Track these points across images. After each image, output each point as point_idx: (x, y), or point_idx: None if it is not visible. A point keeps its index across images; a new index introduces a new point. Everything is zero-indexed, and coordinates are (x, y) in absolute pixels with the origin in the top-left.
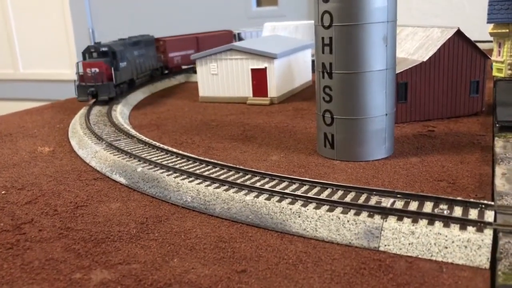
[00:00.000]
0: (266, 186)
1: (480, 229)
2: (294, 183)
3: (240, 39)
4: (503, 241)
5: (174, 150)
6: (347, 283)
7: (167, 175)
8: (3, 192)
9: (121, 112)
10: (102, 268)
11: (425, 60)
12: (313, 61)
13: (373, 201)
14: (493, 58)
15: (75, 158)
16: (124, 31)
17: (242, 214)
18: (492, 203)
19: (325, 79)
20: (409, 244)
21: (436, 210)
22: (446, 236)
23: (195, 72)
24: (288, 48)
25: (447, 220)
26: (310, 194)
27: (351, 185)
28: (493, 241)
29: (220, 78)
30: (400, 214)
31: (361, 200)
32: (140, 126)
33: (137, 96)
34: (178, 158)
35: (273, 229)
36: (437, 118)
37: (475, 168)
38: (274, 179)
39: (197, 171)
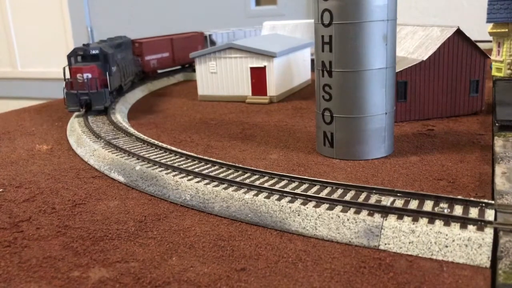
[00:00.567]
0: (266, 185)
1: (480, 228)
2: (294, 181)
3: (211, 40)
4: (503, 240)
5: (173, 148)
6: (347, 282)
7: (165, 173)
8: (0, 190)
9: (119, 111)
10: (100, 266)
11: (424, 59)
12: (312, 60)
13: (373, 199)
14: (492, 57)
15: (74, 156)
16: (123, 29)
17: (241, 212)
18: (493, 202)
19: (325, 78)
20: (410, 242)
21: (436, 209)
22: (447, 235)
23: (194, 70)
24: (288, 47)
25: (448, 219)
26: (309, 193)
27: (351, 184)
28: (493, 240)
29: (219, 77)
30: (400, 213)
31: (361, 199)
32: (139, 125)
33: (136, 94)
34: (177, 157)
35: (272, 228)
36: (437, 117)
37: (475, 167)
38: (274, 178)
39: (196, 170)
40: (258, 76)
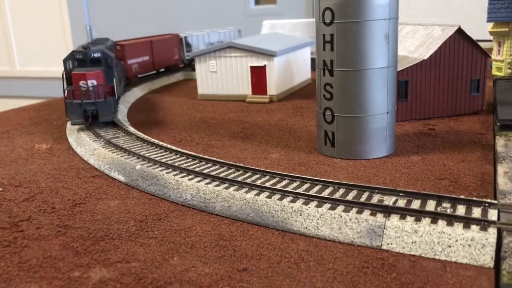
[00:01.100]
0: (267, 184)
1: (484, 228)
2: (295, 181)
3: (186, 43)
4: (507, 240)
5: (173, 147)
6: (350, 282)
7: (166, 172)
8: (0, 189)
9: (119, 110)
10: (101, 266)
11: (426, 58)
12: (312, 59)
13: (375, 199)
14: (492, 57)
15: (73, 155)
16: (122, 28)
17: (243, 212)
18: (495, 201)
19: (326, 77)
20: (412, 242)
21: (439, 209)
22: (450, 235)
23: (194, 69)
24: (288, 46)
25: (451, 219)
26: (311, 192)
27: (353, 183)
28: (497, 240)
29: (219, 76)
30: (403, 213)
31: (363, 198)
32: (139, 124)
33: (135, 93)
34: (178, 156)
35: (274, 228)
36: (438, 117)
37: (477, 166)
38: (275, 177)
39: (197, 169)
40: (258, 75)
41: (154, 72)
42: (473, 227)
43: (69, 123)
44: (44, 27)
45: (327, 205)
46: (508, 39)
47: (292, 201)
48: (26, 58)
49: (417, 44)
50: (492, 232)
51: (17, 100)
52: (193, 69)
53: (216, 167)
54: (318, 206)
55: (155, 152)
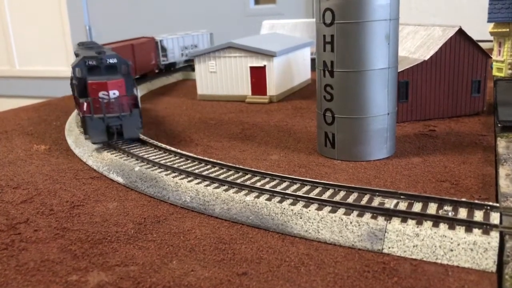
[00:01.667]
0: (267, 186)
1: (486, 232)
2: (295, 183)
3: (162, 47)
4: (510, 244)
5: (172, 149)
6: (350, 287)
7: (165, 174)
8: None
9: None
10: (99, 270)
11: (426, 59)
12: (312, 59)
13: (376, 202)
14: (493, 57)
15: (72, 156)
16: (122, 29)
17: (243, 214)
18: (497, 204)
19: (326, 78)
20: (414, 246)
21: (440, 212)
22: (452, 239)
23: (193, 69)
24: (287, 46)
25: (452, 222)
26: (311, 195)
27: (354, 186)
28: (499, 244)
29: (219, 76)
30: (404, 216)
31: (363, 201)
32: None
33: None
34: (177, 157)
35: (274, 231)
36: (438, 118)
37: (478, 168)
38: (275, 179)
39: (196, 171)
40: (258, 76)
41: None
42: (475, 230)
43: (67, 122)
44: (43, 27)
45: (328, 208)
46: (509, 40)
47: (292, 204)
48: (26, 57)
49: (418, 44)
50: (495, 235)
51: (16, 100)
52: (193, 69)
53: (216, 168)
54: (318, 209)
55: (154, 154)
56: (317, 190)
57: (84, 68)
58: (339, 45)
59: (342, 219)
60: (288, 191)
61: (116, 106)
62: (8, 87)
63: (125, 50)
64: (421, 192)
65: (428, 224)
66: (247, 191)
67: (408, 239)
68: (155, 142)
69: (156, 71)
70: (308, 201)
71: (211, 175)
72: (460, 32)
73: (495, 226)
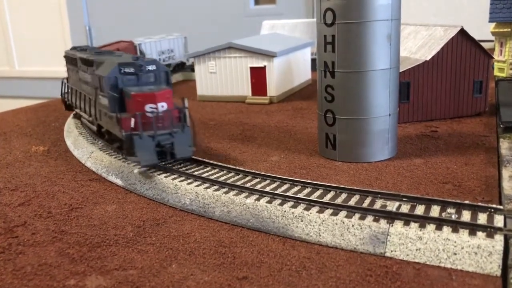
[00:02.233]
0: (267, 189)
1: (490, 235)
2: (296, 185)
3: (140, 51)
4: None
5: None
6: None
7: (164, 176)
8: None
9: None
10: (98, 274)
11: (428, 59)
12: (313, 60)
13: (378, 204)
14: (494, 57)
15: (71, 158)
16: (122, 29)
17: (243, 217)
18: (501, 207)
19: (327, 78)
20: (417, 250)
21: (443, 215)
22: (455, 242)
23: (193, 70)
24: (288, 46)
25: (456, 225)
26: (313, 197)
27: (355, 188)
28: (504, 248)
29: (219, 77)
30: (407, 219)
31: (365, 204)
32: None
33: None
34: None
35: (275, 234)
36: (440, 118)
37: (481, 170)
38: (275, 181)
39: (196, 173)
40: (258, 76)
41: None
42: (479, 233)
43: (66, 123)
44: (43, 27)
45: (329, 211)
46: (510, 40)
47: (293, 207)
48: (25, 58)
49: (419, 45)
50: (499, 239)
51: (15, 100)
52: (192, 70)
53: (215, 170)
54: (319, 211)
55: None
56: (318, 192)
57: (120, 77)
58: (340, 45)
59: (343, 222)
60: (289, 194)
61: (166, 121)
62: (8, 88)
63: None
64: (423, 194)
65: (431, 227)
66: (247, 194)
67: (411, 243)
68: None
69: None
70: (309, 203)
71: (211, 177)
72: (462, 32)
73: (500, 229)
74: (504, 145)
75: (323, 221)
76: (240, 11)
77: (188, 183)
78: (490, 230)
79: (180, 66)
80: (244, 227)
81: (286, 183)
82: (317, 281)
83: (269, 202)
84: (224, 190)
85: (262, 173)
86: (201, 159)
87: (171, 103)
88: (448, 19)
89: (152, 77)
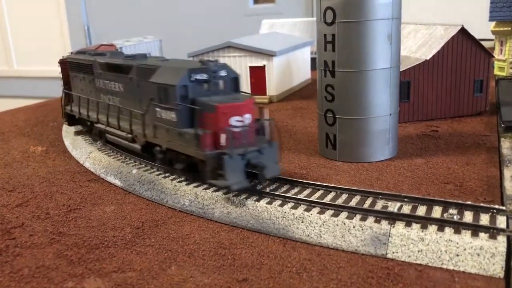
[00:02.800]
0: (267, 189)
1: (493, 236)
2: (296, 186)
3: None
4: None
5: None
6: None
7: (163, 177)
8: None
9: None
10: (96, 276)
11: (428, 58)
12: (312, 59)
13: (379, 205)
14: (494, 56)
15: (69, 158)
16: (121, 28)
17: (243, 218)
18: (504, 207)
19: (327, 78)
20: (419, 251)
21: (445, 215)
22: (457, 243)
23: None
24: (287, 45)
25: (458, 226)
26: (313, 198)
27: (356, 188)
28: (507, 249)
29: None
30: (408, 220)
31: (366, 204)
32: None
33: None
34: None
35: (275, 235)
36: (440, 118)
37: (482, 170)
38: (275, 182)
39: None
40: (257, 75)
41: None
42: (482, 235)
43: (65, 124)
44: (41, 27)
45: (330, 212)
46: (511, 38)
47: (294, 208)
48: (24, 57)
49: (419, 44)
50: (502, 240)
51: (14, 100)
52: None
53: None
54: (320, 212)
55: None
56: (318, 193)
57: (190, 86)
58: (340, 44)
59: (344, 223)
60: (289, 194)
61: (251, 136)
62: (6, 88)
63: None
64: (424, 194)
65: (433, 228)
66: (247, 194)
67: (412, 244)
68: None
69: None
70: (310, 204)
71: None
72: (463, 31)
73: (502, 230)
74: (505, 144)
75: (324, 222)
76: (239, 10)
77: (187, 184)
78: (492, 231)
79: None
80: (244, 228)
81: (286, 184)
82: (318, 283)
83: (269, 203)
84: (224, 191)
85: None
86: None
87: (254, 114)
88: (448, 18)
89: (222, 83)
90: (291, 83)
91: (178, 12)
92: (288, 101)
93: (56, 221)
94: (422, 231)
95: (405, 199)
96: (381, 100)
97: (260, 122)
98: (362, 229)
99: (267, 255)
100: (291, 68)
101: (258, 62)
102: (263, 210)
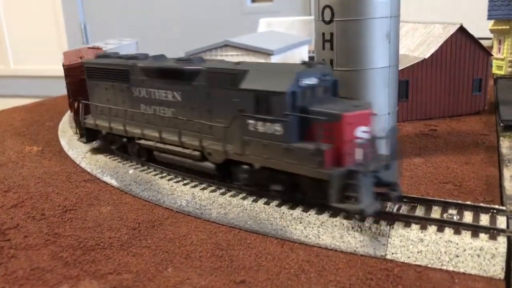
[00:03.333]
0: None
1: (493, 237)
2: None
3: None
4: None
5: None
6: None
7: (160, 177)
8: None
9: None
10: (91, 278)
11: (426, 57)
12: (311, 58)
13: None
14: (493, 55)
15: (65, 158)
16: (119, 27)
17: (240, 219)
18: (504, 208)
19: None
20: (418, 252)
21: (445, 216)
22: (457, 244)
23: None
24: (285, 44)
25: (458, 227)
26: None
27: None
28: (507, 250)
29: None
30: (408, 220)
31: None
32: None
33: None
34: None
35: (273, 236)
36: (439, 117)
37: (481, 169)
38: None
39: (192, 174)
40: None
41: None
42: (482, 235)
43: (61, 122)
44: (38, 25)
45: (328, 212)
46: (509, 37)
47: (292, 208)
48: (20, 56)
49: (418, 42)
50: (502, 241)
51: (11, 100)
52: None
53: None
54: (318, 213)
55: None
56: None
57: (299, 92)
58: (339, 43)
59: (343, 224)
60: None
61: (376, 150)
62: (3, 87)
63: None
64: (423, 194)
65: (432, 228)
66: (244, 195)
67: (412, 245)
68: None
69: None
70: (308, 204)
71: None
72: (461, 30)
73: (502, 230)
74: (504, 144)
75: (322, 223)
76: (237, 9)
77: (184, 184)
78: (493, 232)
79: None
80: (241, 229)
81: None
82: (317, 285)
83: (267, 203)
84: (221, 191)
85: None
86: None
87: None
88: (447, 17)
89: (322, 88)
90: None
91: (175, 9)
92: None
93: (51, 222)
94: (422, 232)
95: (404, 199)
96: (380, 99)
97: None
98: (361, 230)
99: (265, 256)
100: None
101: (256, 61)
102: (261, 211)
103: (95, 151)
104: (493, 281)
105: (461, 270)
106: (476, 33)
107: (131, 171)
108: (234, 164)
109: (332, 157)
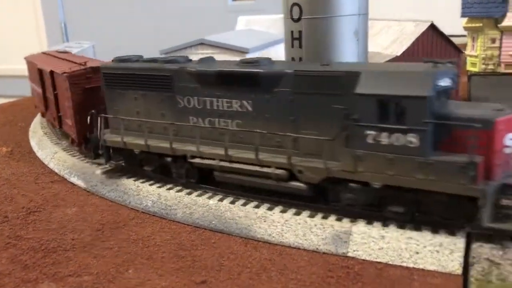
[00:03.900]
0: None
1: (452, 233)
2: None
3: None
4: (476, 245)
5: None
6: None
7: (126, 178)
8: None
9: None
10: (50, 281)
11: (399, 54)
12: None
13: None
14: (467, 52)
15: (34, 159)
16: (100, 26)
17: (205, 219)
18: None
19: None
20: (379, 249)
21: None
22: (418, 241)
23: None
24: (262, 42)
25: (419, 224)
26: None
27: None
28: (466, 246)
29: None
30: (370, 218)
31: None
32: None
33: None
34: None
35: (237, 235)
36: None
37: None
38: None
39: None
40: None
41: None
42: (442, 232)
43: (32, 124)
44: (16, 24)
45: (293, 210)
46: (482, 34)
47: (257, 207)
48: None
49: (391, 40)
50: (461, 237)
51: None
52: None
53: None
54: (283, 211)
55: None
56: None
57: (435, 96)
58: (307, 41)
59: (306, 222)
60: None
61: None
62: None
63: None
64: None
65: (394, 225)
66: (210, 194)
67: (373, 242)
68: None
69: None
70: (273, 203)
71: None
72: (432, 27)
73: (462, 227)
74: None
75: (286, 221)
76: (218, 7)
77: (150, 184)
78: (452, 228)
79: None
80: (206, 228)
81: None
82: (277, 283)
83: (232, 202)
84: (187, 191)
85: None
86: None
87: None
88: (422, 14)
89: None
90: None
91: (155, 8)
92: None
93: (14, 225)
94: (383, 229)
95: None
96: None
97: None
98: (324, 228)
99: (227, 256)
100: None
101: (230, 59)
102: (226, 210)
103: (110, 174)
104: (452, 277)
105: (421, 266)
106: (451, 31)
107: (98, 171)
108: (333, 182)
109: (483, 170)
